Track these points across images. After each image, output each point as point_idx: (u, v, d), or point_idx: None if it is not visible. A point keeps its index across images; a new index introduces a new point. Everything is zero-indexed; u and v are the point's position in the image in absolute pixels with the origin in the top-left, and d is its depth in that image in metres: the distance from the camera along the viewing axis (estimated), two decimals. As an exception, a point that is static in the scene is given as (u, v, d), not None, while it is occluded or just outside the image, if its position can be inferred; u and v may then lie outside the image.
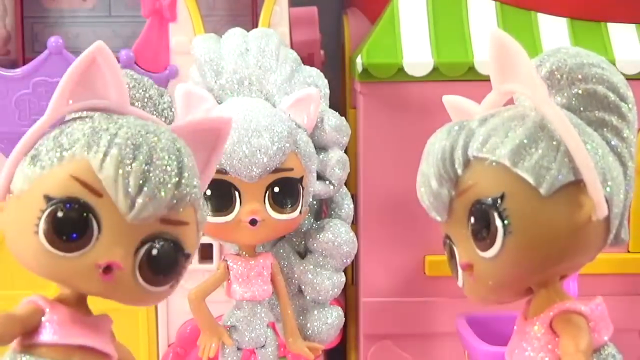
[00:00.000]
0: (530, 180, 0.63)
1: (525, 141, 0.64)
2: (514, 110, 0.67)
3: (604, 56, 0.99)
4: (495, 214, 0.63)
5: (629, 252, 1.04)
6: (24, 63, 1.07)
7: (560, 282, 0.68)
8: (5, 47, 1.15)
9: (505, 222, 0.63)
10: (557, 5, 1.05)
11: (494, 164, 0.64)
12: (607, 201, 0.64)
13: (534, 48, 1.02)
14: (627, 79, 1.00)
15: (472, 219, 0.65)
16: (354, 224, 0.95)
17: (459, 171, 0.65)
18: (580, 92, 0.67)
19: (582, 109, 0.67)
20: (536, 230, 0.63)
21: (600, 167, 0.64)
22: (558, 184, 0.63)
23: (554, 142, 0.64)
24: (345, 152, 0.91)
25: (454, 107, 0.71)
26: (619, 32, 1.03)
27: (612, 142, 0.67)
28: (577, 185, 0.64)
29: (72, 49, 1.06)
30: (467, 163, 0.65)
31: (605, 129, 0.67)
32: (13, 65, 1.10)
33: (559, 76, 0.67)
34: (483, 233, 0.64)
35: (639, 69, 1.00)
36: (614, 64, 0.99)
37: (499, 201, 0.63)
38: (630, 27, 1.04)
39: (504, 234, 0.63)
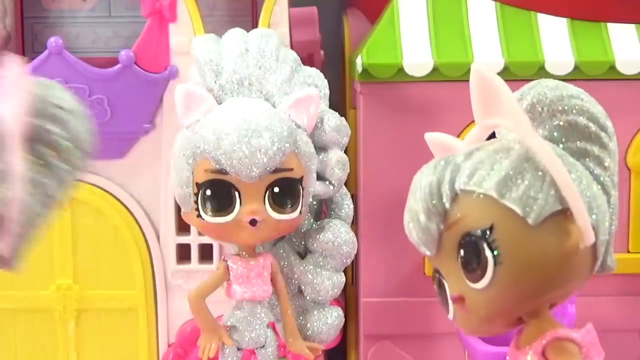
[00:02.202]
0: (518, 210, 0.64)
1: (511, 172, 0.65)
2: (499, 143, 0.68)
3: (604, 56, 1.01)
4: (485, 245, 0.64)
5: (629, 252, 1.04)
6: (24, 63, 1.07)
7: (551, 311, 0.69)
8: (5, 47, 1.15)
9: (495, 252, 0.64)
10: (557, 5, 1.05)
11: (481, 196, 0.65)
12: (593, 229, 0.65)
13: (534, 48, 1.02)
14: (627, 79, 1.01)
15: (462, 252, 0.66)
16: (354, 224, 0.95)
17: (447, 205, 0.66)
18: (561, 123, 0.68)
19: (564, 140, 0.68)
20: (526, 259, 0.64)
21: (585, 195, 0.65)
22: (545, 213, 0.64)
23: (539, 173, 0.65)
24: (345, 152, 0.91)
25: (437, 144, 0.72)
26: (619, 32, 1.03)
27: (595, 172, 0.68)
28: (564, 214, 0.65)
29: (72, 50, 1.06)
30: (454, 197, 0.66)
31: (587, 159, 0.68)
32: (13, 65, 1.10)
33: (540, 109, 0.68)
34: (473, 265, 0.65)
35: (639, 69, 1.01)
36: (613, 64, 1.00)
37: (488, 232, 0.64)
38: (630, 27, 1.04)
39: (495, 264, 0.64)
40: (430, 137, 0.73)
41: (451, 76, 1.00)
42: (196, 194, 0.84)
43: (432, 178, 0.67)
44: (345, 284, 0.93)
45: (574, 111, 0.67)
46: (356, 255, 0.93)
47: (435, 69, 1.01)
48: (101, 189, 1.04)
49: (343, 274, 0.92)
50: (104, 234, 1.05)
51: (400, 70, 1.01)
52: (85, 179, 1.04)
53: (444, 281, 0.68)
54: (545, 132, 0.68)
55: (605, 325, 0.69)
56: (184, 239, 1.05)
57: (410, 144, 1.02)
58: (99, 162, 1.04)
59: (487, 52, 1.01)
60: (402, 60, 1.01)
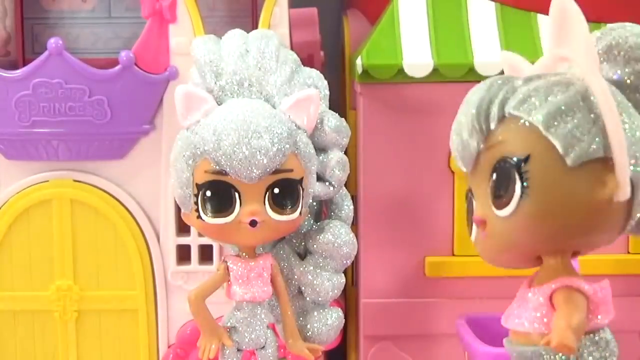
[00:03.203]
0: (559, 147, 0.63)
1: (562, 107, 0.63)
2: (562, 76, 0.66)
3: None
4: (517, 174, 0.63)
5: (629, 252, 1.05)
6: (24, 64, 1.07)
7: (573, 258, 0.68)
8: (5, 48, 1.16)
9: (525, 184, 0.63)
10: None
11: (527, 124, 0.64)
12: (632, 184, 0.64)
13: (534, 49, 1.02)
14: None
15: (494, 175, 0.65)
16: (354, 225, 0.95)
17: (492, 125, 0.65)
18: (634, 71, 0.66)
19: (630, 89, 0.66)
20: (553, 198, 0.63)
21: (633, 149, 0.64)
22: (586, 157, 0.63)
23: (592, 115, 0.63)
24: (345, 153, 0.91)
25: (509, 64, 0.71)
26: (619, 33, 1.03)
27: None
28: (604, 162, 0.63)
29: (72, 51, 1.06)
30: (501, 119, 0.65)
31: None
32: (13, 66, 1.11)
33: (616, 52, 0.66)
34: (501, 191, 0.64)
35: (639, 70, 1.00)
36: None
37: (523, 162, 0.63)
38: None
39: (520, 195, 0.63)
40: (505, 55, 0.71)
41: (451, 77, 1.00)
42: (196, 195, 0.84)
43: (484, 95, 0.66)
44: (345, 284, 0.93)
45: None
46: (356, 256, 0.93)
47: (435, 70, 1.01)
48: (101, 189, 1.04)
49: (343, 275, 0.92)
50: (104, 235, 1.05)
51: (400, 71, 1.01)
52: (85, 179, 1.04)
53: (474, 201, 0.68)
54: (615, 76, 0.66)
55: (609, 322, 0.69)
56: (184, 240, 1.05)
57: (410, 145, 1.02)
58: (99, 162, 1.04)
59: (487, 53, 1.01)
60: (402, 61, 1.01)
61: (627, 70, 0.66)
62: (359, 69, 1.01)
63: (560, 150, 0.63)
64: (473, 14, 1.05)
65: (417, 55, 1.01)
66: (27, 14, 1.16)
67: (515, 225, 0.64)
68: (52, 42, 1.00)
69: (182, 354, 1.06)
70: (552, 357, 0.66)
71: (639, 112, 0.66)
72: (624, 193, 0.63)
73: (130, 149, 1.04)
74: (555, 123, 0.63)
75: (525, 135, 0.64)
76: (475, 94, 0.67)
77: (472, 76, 1.00)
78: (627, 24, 0.68)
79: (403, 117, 1.02)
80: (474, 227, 0.68)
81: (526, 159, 0.63)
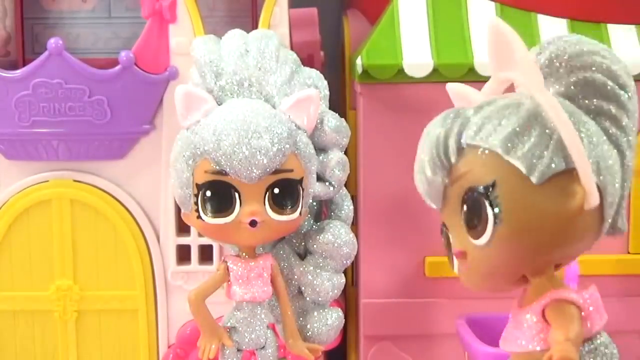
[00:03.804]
0: (522, 168, 0.63)
1: (517, 129, 0.64)
2: (510, 98, 0.67)
3: (604, 57, 1.01)
4: (486, 202, 0.64)
5: (629, 252, 1.05)
6: (24, 64, 1.07)
7: (556, 271, 0.69)
8: (5, 48, 1.16)
9: (496, 210, 0.64)
10: (557, 6, 1.05)
11: (486, 151, 0.64)
12: (599, 190, 0.64)
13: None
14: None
15: (465, 207, 0.66)
16: (354, 225, 0.95)
17: (453, 159, 0.65)
18: (578, 80, 0.67)
19: (580, 97, 0.67)
20: (527, 218, 0.64)
21: (594, 155, 0.64)
22: (550, 172, 0.63)
23: (547, 131, 0.64)
24: (345, 153, 0.91)
25: (457, 95, 0.71)
26: (619, 33, 1.03)
27: (611, 131, 0.66)
28: (569, 173, 0.64)
29: (72, 51, 1.06)
30: (460, 151, 0.65)
31: (603, 118, 0.67)
32: (13, 66, 1.11)
33: (557, 64, 0.67)
34: (474, 221, 0.65)
35: (639, 70, 1.00)
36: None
37: (490, 189, 0.64)
38: (630, 28, 1.04)
39: (495, 221, 0.64)
40: (452, 87, 0.72)
41: (451, 77, 1.00)
42: (196, 195, 0.84)
43: (440, 130, 0.66)
44: (345, 285, 0.92)
45: (592, 68, 0.66)
46: (356, 256, 0.93)
47: (435, 70, 1.01)
48: (101, 189, 1.04)
49: (343, 275, 0.92)
50: (104, 235, 1.05)
51: (400, 71, 1.01)
52: (85, 179, 1.04)
53: (450, 235, 0.68)
54: (561, 88, 0.67)
55: (604, 326, 0.69)
56: (184, 240, 1.05)
57: (410, 144, 1.02)
58: (99, 162, 1.04)
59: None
60: (402, 61, 1.01)
61: (571, 80, 0.67)
62: (359, 69, 1.01)
63: (523, 170, 0.63)
64: (473, 14, 1.05)
65: (417, 55, 1.02)
66: (27, 14, 1.16)
67: (494, 251, 0.65)
68: (52, 42, 1.00)
69: (182, 354, 1.06)
70: None
71: (592, 117, 0.66)
72: (594, 199, 0.64)
73: (130, 149, 1.04)
74: (514, 145, 0.63)
75: (487, 162, 0.64)
76: (431, 131, 0.67)
77: (472, 76, 1.00)
78: (562, 35, 0.69)
79: (403, 117, 1.02)
80: (455, 259, 0.68)
81: (493, 185, 0.64)
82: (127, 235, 1.05)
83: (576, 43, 0.67)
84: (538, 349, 0.66)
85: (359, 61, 1.01)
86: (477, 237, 0.65)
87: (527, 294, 0.69)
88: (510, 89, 0.69)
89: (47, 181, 1.04)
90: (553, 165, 0.63)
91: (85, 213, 1.04)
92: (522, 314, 0.68)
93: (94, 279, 1.06)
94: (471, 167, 0.65)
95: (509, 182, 0.64)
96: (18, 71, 1.01)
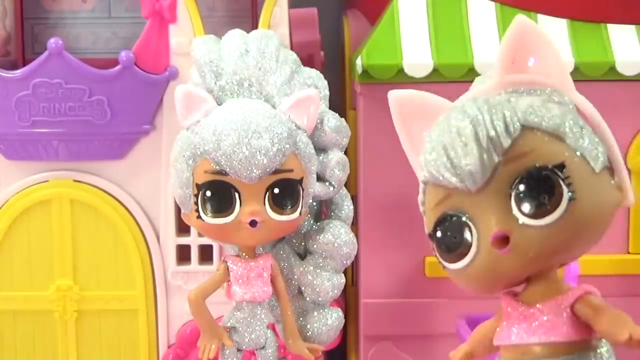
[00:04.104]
0: (587, 153, 0.64)
1: (571, 118, 0.65)
2: (546, 93, 0.67)
3: (604, 57, 1.01)
4: (560, 180, 0.63)
5: (629, 252, 1.04)
6: (24, 64, 1.07)
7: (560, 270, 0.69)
8: (5, 48, 1.16)
9: (570, 187, 0.63)
10: (557, 6, 1.05)
11: (547, 133, 0.64)
12: None
13: (533, 49, 1.02)
14: (627, 80, 1.01)
15: (524, 186, 0.64)
16: (354, 225, 0.95)
17: (512, 138, 0.64)
18: None
19: None
20: (595, 201, 0.64)
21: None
22: (604, 163, 0.65)
23: (589, 126, 0.66)
24: (345, 153, 0.91)
25: (413, 104, 0.71)
26: (619, 33, 1.03)
27: None
28: (609, 170, 0.66)
29: (72, 50, 1.06)
30: (517, 131, 0.64)
31: None
32: (13, 66, 1.11)
33: None
34: (542, 199, 0.63)
35: (639, 70, 1.00)
36: (614, 65, 1.00)
37: (562, 168, 0.64)
38: (630, 28, 1.04)
39: (569, 199, 0.63)
40: (397, 95, 0.73)
41: (451, 77, 1.00)
42: (196, 195, 0.84)
43: (484, 110, 0.65)
44: (345, 285, 0.93)
45: None
46: (356, 256, 0.93)
47: (435, 70, 1.01)
48: (101, 189, 1.04)
49: (343, 275, 0.92)
50: (104, 235, 1.05)
51: (400, 71, 1.01)
52: (85, 179, 1.04)
53: (471, 223, 0.66)
54: None
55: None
56: (183, 240, 1.05)
57: (410, 144, 1.02)
58: (99, 162, 1.04)
59: (487, 53, 1.01)
60: (402, 61, 1.01)
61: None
62: (359, 69, 1.01)
63: (586, 156, 0.64)
64: (473, 14, 1.05)
65: (417, 55, 1.01)
66: (27, 14, 1.16)
67: (555, 231, 0.64)
68: (52, 42, 1.00)
69: (182, 354, 1.06)
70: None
71: None
72: (632, 196, 0.66)
73: (130, 149, 1.04)
74: (573, 132, 0.65)
75: (552, 143, 0.64)
76: (468, 112, 0.65)
77: (472, 76, 0.99)
78: None
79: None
80: (474, 251, 0.66)
81: (563, 165, 0.64)
82: (127, 235, 1.05)
83: None
84: (562, 339, 0.66)
85: (359, 61, 1.01)
86: (543, 215, 0.63)
87: (533, 292, 0.67)
88: None
89: (47, 181, 1.04)
90: (605, 157, 0.65)
91: (85, 213, 1.04)
92: (536, 311, 0.67)
93: (94, 279, 1.06)
94: (536, 146, 0.64)
95: (576, 165, 0.64)
96: (18, 71, 1.01)
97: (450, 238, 0.67)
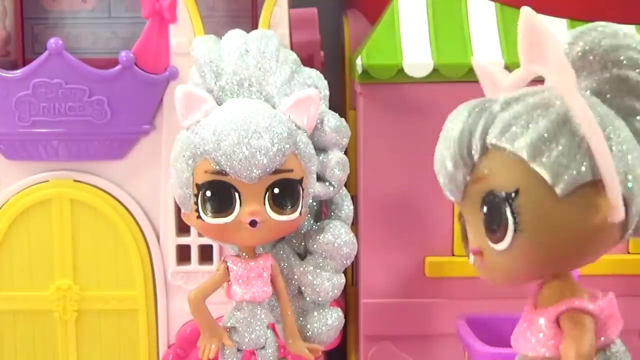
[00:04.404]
0: (547, 178, 0.61)
1: (545, 135, 0.61)
2: (540, 96, 0.64)
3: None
4: (508, 210, 0.62)
5: (629, 252, 1.04)
6: (24, 64, 1.07)
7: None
8: (5, 48, 1.16)
9: (517, 218, 0.62)
10: (557, 6, 1.05)
11: (511, 155, 0.62)
12: (625, 200, 0.62)
13: (533, 49, 1.02)
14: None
15: (485, 209, 0.64)
16: (354, 225, 0.95)
17: (476, 157, 0.63)
18: (612, 76, 0.64)
19: (611, 95, 0.64)
20: (548, 229, 0.62)
21: (622, 165, 0.62)
22: (575, 183, 0.61)
23: (576, 139, 0.61)
24: (345, 153, 0.91)
25: (483, 72, 0.69)
26: (619, 33, 1.03)
27: None
28: (595, 185, 0.62)
29: (72, 51, 1.06)
30: (484, 150, 0.63)
31: (636, 117, 0.64)
32: (13, 66, 1.11)
33: (591, 58, 0.64)
34: (494, 226, 0.63)
35: (638, 70, 1.00)
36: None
37: (512, 196, 0.62)
38: (630, 28, 1.04)
39: (515, 230, 0.62)
40: (479, 63, 0.69)
41: (451, 77, 1.00)
42: (196, 195, 0.84)
43: (464, 126, 0.64)
44: (345, 285, 0.93)
45: (627, 64, 0.64)
46: (356, 256, 0.93)
47: (435, 70, 1.01)
48: (101, 189, 1.04)
49: (343, 275, 0.92)
50: (104, 235, 1.05)
51: (400, 71, 1.01)
52: (85, 179, 1.04)
53: (467, 228, 0.67)
54: (593, 84, 0.64)
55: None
56: (183, 240, 1.05)
57: (410, 145, 1.02)
58: (99, 162, 1.04)
59: (487, 53, 1.01)
60: (402, 61, 1.01)
61: (604, 76, 0.64)
62: (359, 69, 1.01)
63: (548, 180, 0.61)
64: (473, 14, 1.05)
65: (417, 55, 1.01)
66: (27, 14, 1.16)
67: (512, 258, 0.63)
68: (52, 42, 1.00)
69: (182, 354, 1.06)
70: None
71: (622, 116, 0.64)
72: (619, 214, 0.62)
73: (130, 149, 1.04)
74: (540, 152, 0.61)
75: (511, 167, 0.62)
76: (454, 125, 0.65)
77: (472, 76, 0.99)
78: (598, 24, 0.65)
79: (403, 117, 1.02)
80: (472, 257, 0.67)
81: (516, 193, 0.62)
82: (127, 235, 1.05)
83: (613, 35, 0.64)
84: (547, 355, 0.66)
85: (359, 61, 1.01)
86: (496, 241, 0.64)
87: (543, 294, 0.67)
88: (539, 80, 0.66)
89: (47, 181, 1.04)
90: (579, 177, 0.61)
91: (85, 213, 1.04)
92: (537, 315, 0.67)
93: (94, 279, 1.06)
94: (494, 170, 0.63)
95: (532, 191, 0.62)
96: (18, 71, 1.01)
97: (462, 235, 0.68)
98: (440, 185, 0.67)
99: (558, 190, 0.61)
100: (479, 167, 0.64)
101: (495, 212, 0.63)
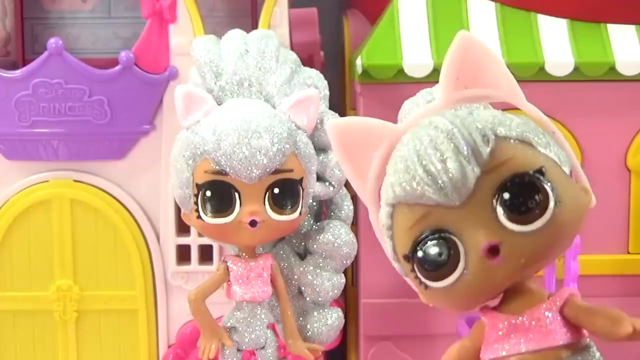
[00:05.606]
0: (556, 158, 0.65)
1: (533, 125, 0.65)
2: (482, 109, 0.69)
3: (604, 57, 1.01)
4: (545, 184, 0.63)
5: (629, 252, 1.04)
6: (24, 64, 1.07)
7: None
8: (5, 48, 1.16)
9: (555, 191, 0.63)
10: (557, 6, 1.05)
11: (518, 141, 0.64)
12: None
13: (534, 49, 1.02)
14: (627, 80, 1.01)
15: (509, 194, 0.63)
16: (354, 225, 0.95)
17: (489, 148, 0.64)
18: None
19: None
20: (574, 205, 0.64)
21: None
22: (569, 168, 0.65)
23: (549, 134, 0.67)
24: (345, 153, 0.91)
25: (355, 132, 0.69)
26: (619, 33, 1.03)
27: None
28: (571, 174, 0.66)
29: (72, 51, 1.06)
30: (493, 141, 0.64)
31: None
32: (13, 66, 1.11)
33: None
34: (529, 204, 0.63)
35: (639, 70, 1.00)
36: (614, 65, 1.00)
37: (542, 172, 0.64)
38: (630, 28, 1.04)
39: (555, 202, 0.63)
40: (340, 124, 0.70)
41: (451, 77, 1.00)
42: (196, 195, 0.84)
43: (458, 123, 0.64)
44: (345, 285, 0.93)
45: None
46: (356, 256, 0.93)
47: (435, 70, 1.01)
48: (101, 189, 1.04)
49: (343, 275, 0.92)
50: (104, 235, 1.05)
51: (400, 71, 1.01)
52: (85, 179, 1.04)
53: (457, 238, 0.64)
54: None
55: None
56: (183, 240, 1.05)
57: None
58: (99, 162, 1.04)
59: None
60: (402, 61, 1.01)
61: None
62: (359, 69, 1.01)
63: (557, 160, 0.65)
64: (473, 14, 1.05)
65: (417, 55, 1.01)
66: (27, 14, 1.16)
67: (545, 235, 0.63)
68: (52, 42, 1.00)
69: (182, 354, 1.06)
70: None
71: None
72: (594, 199, 0.66)
73: (130, 149, 1.04)
74: (540, 137, 0.65)
75: (527, 149, 0.65)
76: (439, 126, 0.65)
77: (472, 76, 1.00)
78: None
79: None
80: (460, 267, 0.65)
81: (541, 170, 0.64)
82: (127, 235, 1.05)
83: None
84: (561, 343, 0.66)
85: (359, 61, 1.01)
86: (531, 220, 0.63)
87: (514, 301, 0.67)
88: None
89: (47, 181, 1.04)
90: (568, 162, 0.66)
91: (85, 213, 1.04)
92: (530, 315, 0.67)
93: (94, 279, 1.06)
94: (511, 154, 0.64)
95: (552, 169, 0.64)
96: (18, 71, 1.01)
97: (435, 256, 0.66)
98: (437, 192, 0.64)
99: (566, 169, 0.65)
100: (494, 156, 0.64)
101: (529, 191, 0.63)
